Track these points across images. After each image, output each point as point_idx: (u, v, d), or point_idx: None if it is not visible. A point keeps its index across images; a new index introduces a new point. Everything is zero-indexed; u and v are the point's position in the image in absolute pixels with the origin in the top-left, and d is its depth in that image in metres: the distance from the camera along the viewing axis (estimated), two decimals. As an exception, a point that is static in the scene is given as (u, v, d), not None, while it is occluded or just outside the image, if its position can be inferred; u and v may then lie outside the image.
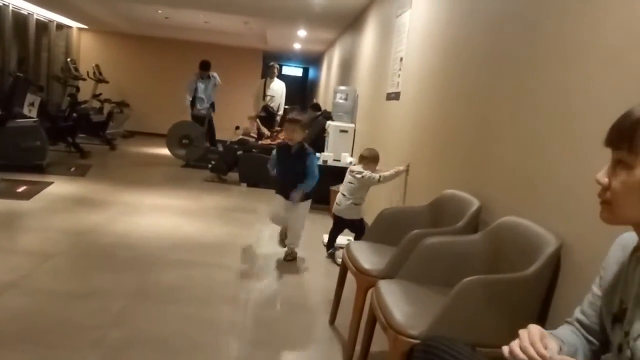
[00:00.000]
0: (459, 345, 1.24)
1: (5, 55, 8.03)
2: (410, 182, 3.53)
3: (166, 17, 8.97)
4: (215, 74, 8.38)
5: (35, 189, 5.06)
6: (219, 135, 8.51)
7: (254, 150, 6.75)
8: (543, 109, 1.88)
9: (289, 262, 3.69)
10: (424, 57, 3.55)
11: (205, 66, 8.29)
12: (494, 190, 2.25)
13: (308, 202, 3.73)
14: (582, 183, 1.56)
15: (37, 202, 4.65)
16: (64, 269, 3.20)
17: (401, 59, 4.15)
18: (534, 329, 1.02)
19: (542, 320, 1.69)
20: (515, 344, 0.99)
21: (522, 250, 1.81)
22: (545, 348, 0.97)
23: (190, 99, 8.14)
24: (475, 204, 2.30)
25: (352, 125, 6.00)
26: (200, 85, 8.27)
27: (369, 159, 3.68)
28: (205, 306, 2.79)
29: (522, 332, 1.01)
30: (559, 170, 1.74)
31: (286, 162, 3.65)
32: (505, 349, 1.01)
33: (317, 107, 7.96)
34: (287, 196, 3.59)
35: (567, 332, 1.15)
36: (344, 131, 5.93)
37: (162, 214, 4.72)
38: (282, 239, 3.83)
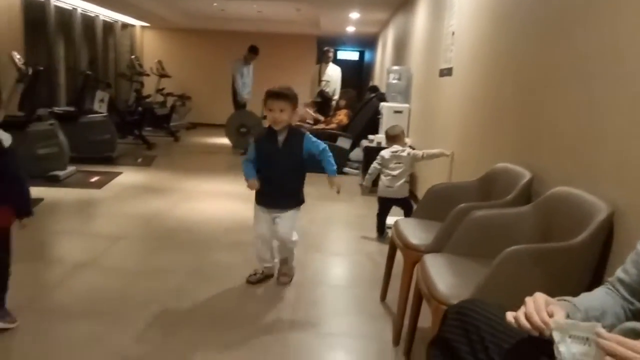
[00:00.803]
0: (493, 307, 1.23)
1: (76, 56, 8.57)
2: (460, 159, 3.47)
3: (221, 10, 9.20)
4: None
5: (106, 178, 5.41)
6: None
7: (309, 135, 6.82)
8: (595, 74, 1.79)
9: (284, 285, 2.89)
10: (474, 29, 3.44)
11: (255, 50, 8.31)
12: (546, 161, 2.17)
13: (299, 209, 2.85)
14: (637, 147, 1.48)
15: (108, 191, 4.98)
16: (130, 250, 3.43)
17: (453, 33, 4.04)
18: (539, 296, 1.01)
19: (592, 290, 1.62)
20: (520, 312, 0.99)
21: (573, 220, 1.74)
22: (551, 315, 0.95)
23: (241, 83, 8.23)
24: (526, 175, 2.23)
25: (407, 105, 5.92)
26: (245, 70, 8.31)
27: (399, 135, 3.86)
28: (258, 284, 2.90)
29: (528, 300, 1.01)
30: (612, 135, 1.65)
31: (272, 156, 2.68)
32: (509, 316, 1.01)
33: (374, 89, 7.91)
34: (273, 204, 2.75)
35: (596, 295, 1.12)
36: (398, 112, 5.86)
37: (219, 199, 4.90)
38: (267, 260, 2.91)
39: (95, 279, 2.87)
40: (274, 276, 2.96)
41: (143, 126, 8.23)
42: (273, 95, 2.62)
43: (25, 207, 2.18)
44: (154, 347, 2.16)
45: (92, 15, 9.20)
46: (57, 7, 7.85)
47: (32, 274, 2.65)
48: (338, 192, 2.86)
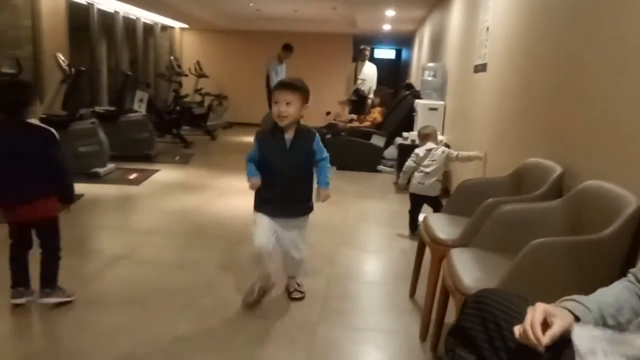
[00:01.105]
0: (511, 296, 1.23)
1: (118, 57, 8.89)
2: (494, 155, 3.42)
3: (257, 10, 9.35)
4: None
5: (144, 175, 5.60)
6: (309, 121, 8.71)
7: (342, 133, 6.86)
8: (628, 67, 1.75)
9: (297, 300, 2.65)
10: (508, 24, 3.39)
11: (289, 47, 8.37)
12: (578, 156, 2.13)
13: (308, 217, 2.60)
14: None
15: (146, 187, 5.16)
16: (165, 243, 3.56)
17: (487, 29, 3.99)
18: (538, 309, 1.05)
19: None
20: (519, 327, 1.04)
21: (603, 214, 1.71)
22: (551, 325, 1.01)
23: (276, 81, 8.33)
24: (557, 170, 2.19)
25: (442, 102, 5.87)
26: (280, 69, 8.39)
27: (431, 134, 3.86)
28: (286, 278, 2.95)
29: (529, 311, 1.04)
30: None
31: (278, 157, 2.40)
32: (516, 330, 1.07)
33: (409, 86, 7.88)
34: (279, 212, 2.45)
35: (613, 290, 1.11)
36: (433, 109, 5.82)
37: (252, 197, 4.99)
38: (266, 285, 2.58)
39: (130, 271, 2.99)
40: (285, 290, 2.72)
41: (181, 125, 8.46)
42: (280, 85, 2.40)
43: (69, 196, 2.46)
44: (182, 337, 2.25)
45: (133, 18, 9.52)
46: (100, 10, 8.17)
47: (73, 266, 2.79)
48: (323, 200, 2.55)
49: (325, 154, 2.51)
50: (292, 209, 2.49)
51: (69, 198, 2.47)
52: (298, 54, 8.60)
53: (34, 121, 2.40)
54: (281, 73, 8.34)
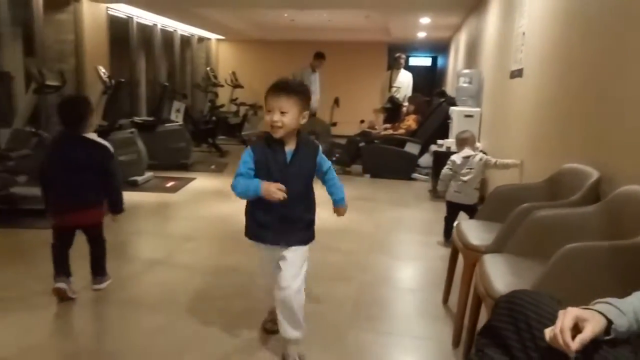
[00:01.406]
0: (543, 297, 1.24)
1: (156, 69, 9.20)
2: (530, 161, 3.39)
3: (292, 20, 9.50)
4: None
5: (181, 184, 5.77)
6: (343, 130, 8.77)
7: (376, 141, 6.88)
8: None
9: None
10: (544, 28, 3.37)
11: (321, 55, 8.42)
12: (615, 160, 2.10)
13: (307, 247, 2.15)
14: None
15: (182, 195, 5.31)
16: (200, 249, 3.66)
17: (523, 34, 3.96)
18: (569, 313, 1.06)
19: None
20: (550, 330, 1.06)
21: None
22: (581, 331, 1.03)
23: (314, 92, 8.42)
24: (594, 175, 2.17)
25: (478, 109, 5.82)
26: (313, 78, 8.46)
27: (469, 139, 3.82)
28: (318, 283, 2.99)
29: (560, 315, 1.06)
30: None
31: (276, 171, 1.98)
32: (547, 333, 1.08)
33: (442, 94, 7.84)
34: (277, 239, 2.07)
35: None
36: (469, 116, 5.78)
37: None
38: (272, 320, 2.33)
39: (166, 275, 3.10)
40: None
41: (217, 135, 8.66)
42: (273, 89, 1.96)
43: (119, 206, 2.75)
44: (217, 339, 2.32)
45: (171, 30, 9.85)
46: (139, 23, 8.49)
47: (112, 269, 2.91)
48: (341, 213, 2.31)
49: (329, 164, 2.18)
50: (292, 236, 2.07)
51: (119, 209, 2.74)
52: (331, 63, 8.68)
53: (92, 135, 2.62)
54: (315, 82, 8.43)
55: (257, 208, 2.08)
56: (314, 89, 8.43)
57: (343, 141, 7.47)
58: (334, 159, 7.22)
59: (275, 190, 1.92)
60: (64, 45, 6.60)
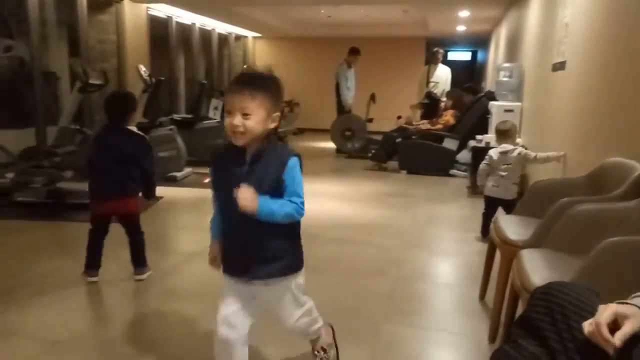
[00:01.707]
0: (581, 288, 1.23)
1: (194, 67, 9.41)
2: (573, 155, 3.31)
3: (329, 16, 9.54)
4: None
5: (218, 179, 5.90)
6: (380, 126, 8.76)
7: (413, 137, 6.84)
8: None
9: None
10: (588, 19, 3.29)
11: (356, 51, 8.37)
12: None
13: (298, 277, 1.78)
14: None
15: (219, 191, 5.44)
16: (237, 243, 3.75)
17: (566, 25, 3.87)
18: (608, 310, 1.05)
19: None
20: (589, 323, 1.06)
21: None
22: (620, 326, 1.02)
23: (350, 89, 8.41)
24: (637, 169, 2.11)
25: (519, 103, 5.71)
26: (349, 75, 8.45)
27: (510, 131, 3.73)
28: (353, 277, 3.03)
29: (599, 311, 1.05)
30: None
31: (234, 185, 1.55)
32: (585, 327, 1.08)
33: (472, 90, 7.73)
34: (244, 271, 1.67)
35: None
36: (509, 110, 5.68)
37: (322, 199, 5.12)
38: None
39: (205, 266, 3.14)
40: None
41: (253, 131, 8.78)
42: (234, 85, 1.56)
43: (153, 193, 2.94)
44: (253, 329, 2.38)
45: (209, 29, 10.05)
46: (178, 23, 8.71)
47: (153, 261, 3.03)
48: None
49: (297, 197, 1.63)
50: (259, 268, 1.65)
51: (152, 195, 2.94)
52: (368, 59, 8.68)
53: (133, 128, 2.85)
54: (350, 78, 8.45)
55: (224, 232, 1.72)
56: (350, 85, 8.45)
57: (380, 138, 7.47)
58: (369, 154, 7.24)
59: (210, 254, 1.75)
60: (106, 45, 6.85)
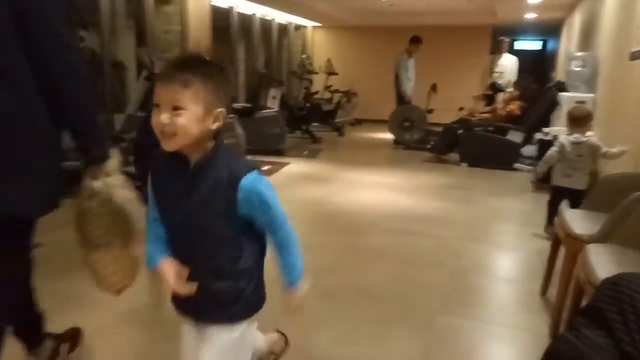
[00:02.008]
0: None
1: (254, 57, 9.61)
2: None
3: (390, 5, 9.45)
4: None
5: (275, 168, 6.05)
6: (440, 117, 8.62)
7: (475, 128, 6.70)
8: None
9: None
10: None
11: (417, 40, 8.25)
12: None
13: (243, 326, 1.39)
14: None
15: (276, 178, 5.57)
16: (293, 228, 3.84)
17: (647, 9, 3.67)
18: None
19: None
20: None
21: None
22: None
23: (410, 79, 8.31)
24: None
25: (592, 95, 5.47)
26: (410, 64, 8.32)
27: (585, 118, 3.49)
28: (410, 267, 3.05)
29: None
30: None
31: (173, 201, 1.29)
32: None
33: (528, 80, 7.45)
34: (194, 309, 1.38)
35: None
36: (580, 102, 5.44)
37: (378, 190, 5.14)
38: None
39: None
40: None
41: (310, 121, 8.89)
42: (166, 71, 1.20)
43: None
44: (306, 313, 2.45)
45: (269, 19, 10.21)
46: (239, 13, 8.91)
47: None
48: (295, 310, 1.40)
49: (277, 211, 1.29)
50: (205, 307, 1.35)
51: None
52: (429, 48, 8.53)
53: None
54: (411, 68, 8.35)
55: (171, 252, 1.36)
56: (410, 75, 8.36)
57: (439, 129, 7.37)
58: (428, 146, 7.15)
59: (168, 280, 1.30)
60: (170, 36, 7.12)
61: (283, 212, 1.31)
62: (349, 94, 10.43)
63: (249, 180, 1.23)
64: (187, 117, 1.17)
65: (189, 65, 1.19)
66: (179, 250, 1.33)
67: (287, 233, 1.33)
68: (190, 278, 1.30)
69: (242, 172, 1.23)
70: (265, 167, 6.05)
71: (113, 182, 1.50)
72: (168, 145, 1.20)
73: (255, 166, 1.26)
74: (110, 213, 1.53)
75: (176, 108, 1.16)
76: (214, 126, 1.22)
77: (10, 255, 1.47)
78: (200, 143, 1.23)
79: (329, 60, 10.57)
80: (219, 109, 1.23)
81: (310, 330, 2.29)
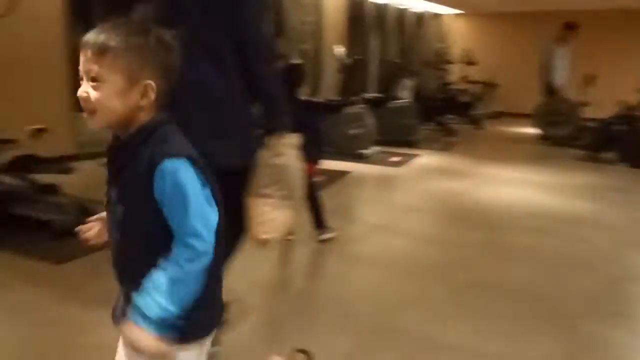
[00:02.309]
0: None
1: (387, 47, 9.60)
2: None
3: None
4: None
5: (405, 159, 5.99)
6: (596, 112, 7.87)
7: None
8: None
9: None
10: None
11: (572, 26, 7.60)
12: None
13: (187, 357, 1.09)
14: None
15: (406, 169, 5.52)
16: (424, 220, 3.83)
17: None
18: None
19: None
20: None
21: None
22: None
23: (562, 69, 7.70)
24: None
25: None
26: (562, 53, 7.66)
27: None
28: (554, 268, 2.85)
29: None
30: None
31: (109, 192, 1.12)
32: None
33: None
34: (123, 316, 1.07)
35: None
36: None
37: (520, 187, 4.84)
38: None
39: (389, 239, 3.33)
40: None
41: (445, 113, 8.65)
42: (86, 37, 1.04)
43: (320, 154, 3.11)
44: (434, 302, 2.40)
45: (403, 8, 10.12)
46: (372, 3, 8.95)
47: (340, 228, 3.24)
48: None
49: (193, 236, 1.02)
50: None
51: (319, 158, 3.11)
52: (584, 36, 7.80)
53: (305, 97, 3.08)
54: (563, 57, 7.72)
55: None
56: (562, 65, 7.74)
57: (594, 124, 6.74)
58: (581, 142, 6.59)
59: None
60: (305, 27, 7.38)
61: (193, 224, 1.01)
62: (489, 85, 9.99)
63: (169, 164, 1.01)
64: (104, 91, 1.02)
65: (107, 31, 1.02)
66: (113, 250, 1.13)
67: (188, 258, 1.01)
68: (121, 283, 1.13)
69: (165, 155, 1.02)
70: (394, 159, 6.01)
71: (288, 150, 1.79)
72: (92, 123, 1.05)
73: (187, 153, 1.04)
74: (278, 172, 1.79)
75: (94, 80, 1.02)
76: (143, 102, 1.05)
77: (237, 203, 1.75)
78: (131, 122, 1.06)
79: (467, 49, 10.21)
80: (146, 81, 1.04)
81: (446, 321, 2.24)
